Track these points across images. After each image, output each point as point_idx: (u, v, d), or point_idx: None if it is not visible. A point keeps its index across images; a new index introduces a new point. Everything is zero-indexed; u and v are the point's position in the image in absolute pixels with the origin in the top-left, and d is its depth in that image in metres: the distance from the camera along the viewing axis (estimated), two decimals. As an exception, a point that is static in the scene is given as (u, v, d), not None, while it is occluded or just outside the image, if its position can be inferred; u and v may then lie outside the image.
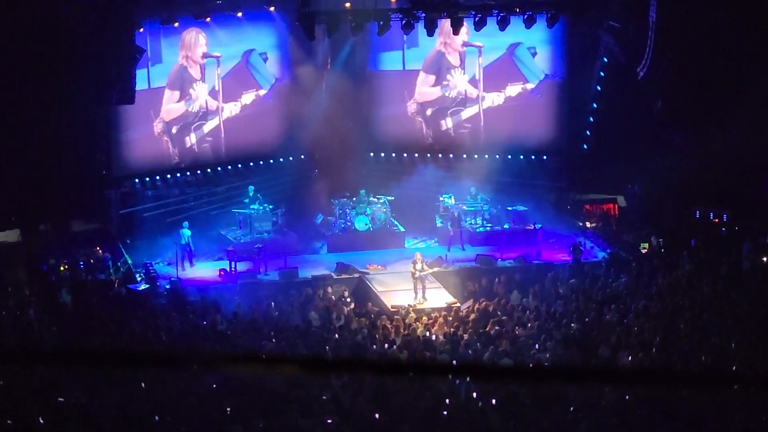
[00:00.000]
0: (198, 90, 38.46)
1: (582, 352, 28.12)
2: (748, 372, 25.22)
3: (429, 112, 40.66)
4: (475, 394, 25.64)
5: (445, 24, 37.45)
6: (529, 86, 40.05)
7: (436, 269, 33.79)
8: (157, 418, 24.28)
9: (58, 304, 31.90)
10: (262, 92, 39.83)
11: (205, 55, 38.23)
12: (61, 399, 24.77)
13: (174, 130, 38.13)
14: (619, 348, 28.04)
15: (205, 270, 34.83)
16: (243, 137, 39.32)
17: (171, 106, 37.98)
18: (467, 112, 40.32)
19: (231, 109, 39.29)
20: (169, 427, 24.14)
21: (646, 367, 26.79)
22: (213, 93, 38.86)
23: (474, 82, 40.27)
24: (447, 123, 40.39)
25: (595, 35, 38.19)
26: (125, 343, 28.23)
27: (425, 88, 40.58)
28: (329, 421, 24.50)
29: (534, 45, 39.68)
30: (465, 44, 39.77)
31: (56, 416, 24.10)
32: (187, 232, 35.43)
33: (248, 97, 39.60)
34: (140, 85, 36.17)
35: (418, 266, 32.36)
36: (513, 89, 40.22)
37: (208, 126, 38.81)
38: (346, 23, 35.96)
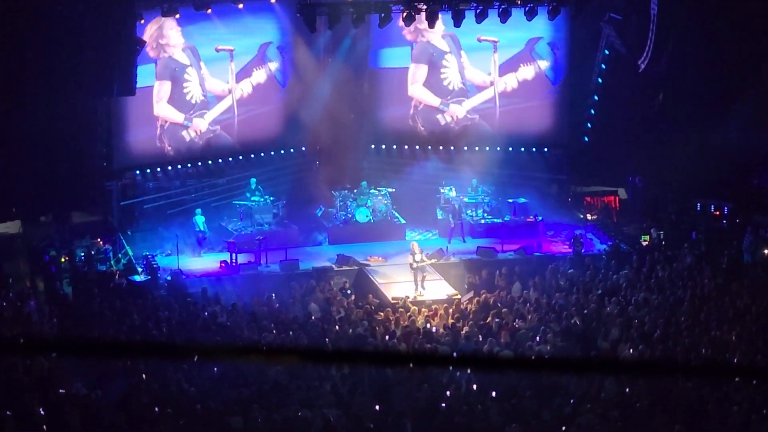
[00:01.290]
0: (192, 76, 37.89)
1: (582, 345, 28.16)
2: (748, 364, 25.24)
3: (425, 106, 40.29)
4: (475, 387, 25.69)
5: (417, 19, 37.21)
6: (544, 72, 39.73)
7: (435, 260, 33.80)
8: (156, 409, 24.32)
9: (59, 295, 31.93)
10: (278, 88, 39.64)
11: (217, 49, 37.88)
12: (62, 391, 24.80)
13: (167, 125, 37.73)
14: (619, 340, 28.08)
15: (206, 261, 34.84)
16: (245, 129, 39.26)
17: (163, 105, 37.39)
18: (468, 103, 40.10)
19: (245, 107, 39.09)
20: (170, 418, 24.17)
21: (647, 360, 26.82)
22: (209, 72, 38.47)
23: (477, 71, 39.88)
24: (454, 113, 40.12)
25: (597, 27, 38.16)
26: (126, 334, 28.26)
27: (418, 84, 40.04)
28: (329, 412, 24.55)
29: (555, 41, 39.20)
30: (479, 39, 39.30)
31: (56, 407, 24.13)
32: (201, 219, 35.59)
33: (258, 78, 39.46)
34: (146, 81, 36.01)
35: (417, 257, 32.37)
36: (526, 71, 39.78)
37: (210, 115, 38.48)
38: (348, 15, 35.97)
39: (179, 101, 37.72)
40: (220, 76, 38.42)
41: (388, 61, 40.43)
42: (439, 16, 36.65)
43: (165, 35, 37.11)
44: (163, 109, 37.48)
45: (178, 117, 37.77)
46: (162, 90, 37.39)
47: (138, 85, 35.44)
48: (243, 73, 38.86)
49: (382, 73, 40.53)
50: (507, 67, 39.68)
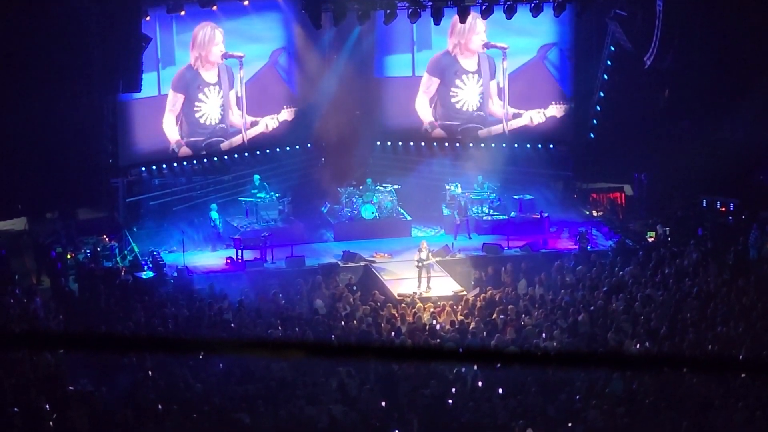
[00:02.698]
0: (210, 97, 37.76)
1: (588, 341, 28.13)
2: (754, 360, 25.22)
3: (436, 125, 39.77)
4: (481, 383, 25.69)
5: (458, 22, 36.97)
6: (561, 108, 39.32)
7: (441, 258, 33.80)
8: (160, 407, 24.34)
9: (65, 291, 31.95)
10: (290, 96, 39.37)
11: (224, 56, 37.63)
12: (71, 387, 24.82)
13: (178, 148, 37.49)
14: (625, 337, 28.06)
15: (212, 258, 34.84)
16: (251, 127, 39.16)
17: (169, 118, 37.16)
18: (485, 132, 39.47)
19: (258, 125, 38.86)
20: (176, 414, 24.19)
21: (653, 355, 26.81)
22: (236, 101, 38.25)
23: (499, 92, 39.30)
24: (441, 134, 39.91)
25: (602, 24, 38.10)
26: (132, 330, 28.27)
27: (424, 98, 39.56)
28: (335, 409, 24.56)
29: (570, 48, 38.76)
30: (486, 45, 38.90)
31: (62, 403, 24.16)
32: (215, 215, 35.64)
33: (281, 115, 39.30)
34: (149, 90, 35.79)
35: (423, 255, 32.34)
36: (549, 110, 39.17)
37: (227, 145, 38.29)
38: (353, 12, 35.95)
39: (188, 119, 37.48)
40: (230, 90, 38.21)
41: (392, 69, 39.99)
42: (474, 18, 36.62)
43: (207, 48, 37.11)
44: (166, 123, 37.30)
45: (173, 137, 37.50)
46: (173, 102, 37.19)
47: (160, 92, 35.62)
48: (257, 93, 38.63)
49: (387, 82, 40.14)
50: (519, 88, 39.27)
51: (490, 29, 38.24)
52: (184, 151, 37.63)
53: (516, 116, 39.33)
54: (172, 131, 37.29)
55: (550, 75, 39.20)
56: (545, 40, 38.83)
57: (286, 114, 39.34)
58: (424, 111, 39.73)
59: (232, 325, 28.97)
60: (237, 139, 38.56)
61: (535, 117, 39.28)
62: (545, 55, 39.05)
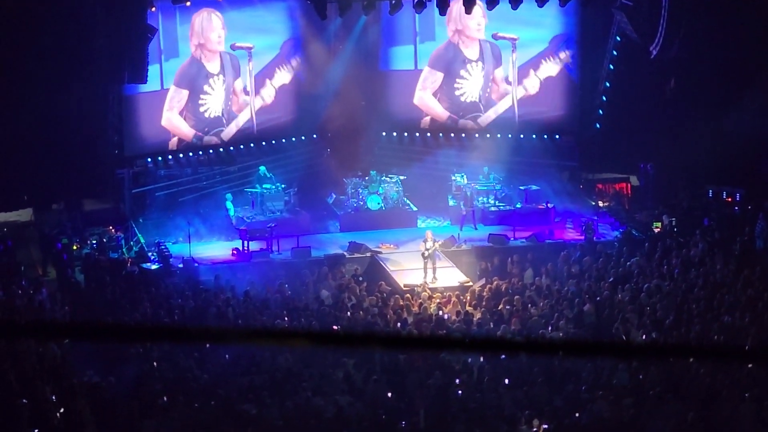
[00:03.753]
0: (216, 88, 37.55)
1: (594, 332, 28.13)
2: (761, 350, 25.19)
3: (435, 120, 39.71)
4: (487, 374, 25.69)
5: (455, 6, 36.89)
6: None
7: (446, 249, 33.77)
8: (166, 398, 24.35)
9: (71, 283, 31.97)
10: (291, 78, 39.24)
11: (232, 47, 37.54)
12: (75, 380, 24.84)
13: (199, 140, 37.40)
14: (631, 327, 28.05)
15: (217, 249, 34.82)
16: (258, 120, 39.09)
17: (175, 118, 36.93)
18: (485, 118, 39.57)
19: (261, 102, 38.70)
20: (182, 405, 24.21)
21: (659, 346, 26.78)
22: (243, 92, 38.15)
23: (506, 82, 39.20)
24: (465, 125, 39.83)
25: (608, 13, 38.03)
26: (138, 321, 28.28)
27: (427, 93, 39.39)
28: (342, 400, 24.57)
29: (574, 38, 38.65)
30: (495, 36, 38.85)
31: (69, 395, 24.19)
32: (230, 204, 35.64)
33: (281, 79, 39.00)
34: (152, 82, 35.53)
35: (429, 244, 32.33)
36: (541, 71, 39.07)
37: (227, 133, 38.14)
38: (358, 2, 35.88)
39: (193, 114, 37.34)
40: (236, 79, 38.02)
41: (397, 62, 39.87)
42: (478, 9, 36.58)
43: (206, 35, 36.90)
44: (172, 120, 37.09)
45: (187, 133, 37.41)
46: (176, 98, 36.98)
47: (163, 86, 35.63)
48: (263, 75, 38.50)
49: (392, 74, 40.03)
50: (527, 68, 39.15)
51: (495, 21, 38.11)
52: (209, 140, 37.56)
53: (516, 100, 39.22)
54: (182, 126, 37.15)
55: (562, 65, 39.19)
56: (551, 31, 38.76)
57: (282, 77, 39.01)
58: (436, 106, 39.56)
59: (239, 321, 28.94)
60: (244, 126, 38.46)
61: (529, 84, 39.11)
62: (558, 47, 38.97)
